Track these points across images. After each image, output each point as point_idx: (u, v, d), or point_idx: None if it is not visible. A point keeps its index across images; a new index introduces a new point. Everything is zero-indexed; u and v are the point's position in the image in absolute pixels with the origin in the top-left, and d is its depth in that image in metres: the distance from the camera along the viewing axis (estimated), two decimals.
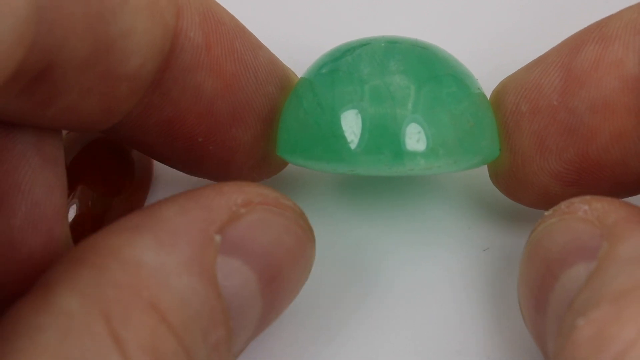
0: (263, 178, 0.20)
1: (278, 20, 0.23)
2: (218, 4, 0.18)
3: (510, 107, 0.18)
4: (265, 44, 0.19)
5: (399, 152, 0.17)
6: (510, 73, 0.19)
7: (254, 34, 0.19)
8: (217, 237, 0.15)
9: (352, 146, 0.17)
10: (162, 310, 0.14)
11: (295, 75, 0.20)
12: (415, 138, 0.17)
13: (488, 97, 0.19)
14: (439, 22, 0.23)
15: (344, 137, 0.17)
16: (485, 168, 0.20)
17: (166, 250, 0.14)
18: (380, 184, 0.21)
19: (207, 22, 0.17)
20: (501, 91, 0.19)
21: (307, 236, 0.17)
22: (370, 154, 0.17)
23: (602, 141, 0.17)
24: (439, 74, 0.18)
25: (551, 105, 0.17)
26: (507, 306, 0.20)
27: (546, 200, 0.18)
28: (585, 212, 0.16)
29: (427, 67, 0.18)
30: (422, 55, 0.18)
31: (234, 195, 0.16)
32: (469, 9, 0.23)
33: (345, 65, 0.18)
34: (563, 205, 0.17)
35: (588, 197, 0.16)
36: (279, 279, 0.16)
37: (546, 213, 0.17)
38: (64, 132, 0.19)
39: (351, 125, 0.17)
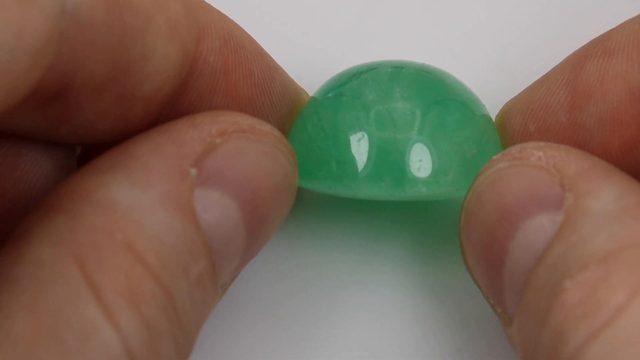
0: None
1: (294, 38, 0.23)
2: (239, 27, 0.18)
3: (517, 128, 0.18)
4: (281, 56, 0.19)
5: (400, 179, 0.17)
6: (514, 94, 0.19)
7: (272, 43, 0.19)
8: (193, 171, 0.15)
9: (354, 172, 0.17)
10: (138, 250, 0.13)
11: (307, 94, 0.19)
12: (416, 166, 0.17)
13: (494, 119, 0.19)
14: (448, 44, 0.23)
15: (346, 163, 0.17)
16: None
17: (140, 188, 0.14)
18: None
19: (227, 47, 0.17)
20: (507, 113, 0.19)
21: (287, 160, 0.16)
22: (372, 180, 0.17)
23: (613, 154, 0.17)
24: (443, 100, 0.18)
25: (559, 123, 0.17)
26: None
27: None
28: (540, 158, 0.15)
29: (432, 93, 0.18)
30: (427, 81, 0.18)
31: (207, 126, 0.15)
32: (476, 32, 0.23)
33: (350, 90, 0.18)
34: (514, 149, 0.16)
35: (542, 144, 0.16)
36: (261, 206, 0.16)
37: (494, 157, 0.16)
38: None
39: (354, 151, 0.17)
